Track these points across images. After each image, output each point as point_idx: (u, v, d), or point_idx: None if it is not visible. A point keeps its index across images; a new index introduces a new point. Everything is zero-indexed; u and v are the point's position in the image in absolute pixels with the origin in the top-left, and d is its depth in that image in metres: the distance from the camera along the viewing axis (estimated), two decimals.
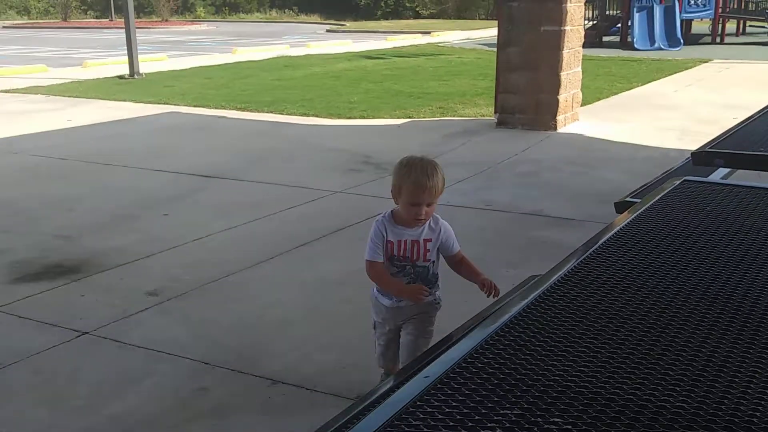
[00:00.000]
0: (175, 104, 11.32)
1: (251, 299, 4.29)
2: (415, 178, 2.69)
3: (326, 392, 3.19)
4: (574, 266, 2.08)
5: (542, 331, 1.64)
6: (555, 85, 8.63)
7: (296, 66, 16.55)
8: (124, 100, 11.74)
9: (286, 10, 45.69)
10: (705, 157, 3.78)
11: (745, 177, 4.58)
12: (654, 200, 2.81)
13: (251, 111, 10.71)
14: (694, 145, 7.89)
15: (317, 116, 10.29)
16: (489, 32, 23.14)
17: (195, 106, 11.16)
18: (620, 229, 2.44)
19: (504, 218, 5.81)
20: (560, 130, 8.69)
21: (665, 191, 2.93)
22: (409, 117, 10.09)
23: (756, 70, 14.85)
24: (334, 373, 3.42)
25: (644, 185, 4.62)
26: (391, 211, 2.85)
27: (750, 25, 25.08)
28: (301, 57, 18.94)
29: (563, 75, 8.64)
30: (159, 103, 11.41)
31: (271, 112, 10.62)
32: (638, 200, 4.38)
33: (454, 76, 14.54)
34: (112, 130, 9.58)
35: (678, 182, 3.07)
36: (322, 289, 4.45)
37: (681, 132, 8.74)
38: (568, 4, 8.55)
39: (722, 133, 4.13)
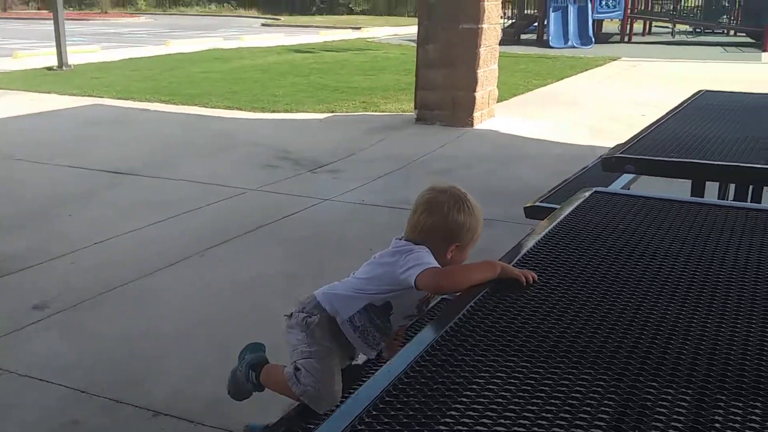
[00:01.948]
0: (99, 96, 10.55)
1: (147, 310, 3.78)
2: (478, 215, 2.03)
3: (213, 426, 2.72)
4: (486, 293, 1.74)
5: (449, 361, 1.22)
6: (472, 82, 8.24)
7: (226, 59, 15.82)
8: (49, 92, 10.89)
9: (225, 4, 44.23)
10: (615, 163, 3.40)
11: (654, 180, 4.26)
12: (564, 215, 2.42)
13: (175, 104, 10.04)
14: (604, 142, 7.66)
15: (241, 109, 9.69)
16: (416, 29, 22.72)
17: (119, 98, 10.42)
18: (530, 250, 2.06)
19: None
20: (477, 126, 8.31)
21: (575, 205, 2.55)
22: (332, 111, 9.59)
23: (661, 68, 14.79)
24: (229, 399, 2.95)
25: (553, 189, 4.26)
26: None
27: (655, 26, 25.26)
28: (232, 50, 18.18)
29: (480, 72, 8.27)
30: (83, 95, 10.62)
31: (196, 104, 9.97)
32: (547, 205, 4.03)
33: (379, 71, 14.06)
34: (31, 123, 8.83)
35: (588, 194, 2.69)
36: (227, 297, 3.96)
37: (592, 129, 8.47)
38: (486, 2, 8.17)
39: (632, 138, 3.77)
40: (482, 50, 8.25)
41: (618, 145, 5.10)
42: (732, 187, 4.58)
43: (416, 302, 2.08)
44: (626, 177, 4.38)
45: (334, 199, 5.74)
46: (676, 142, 3.68)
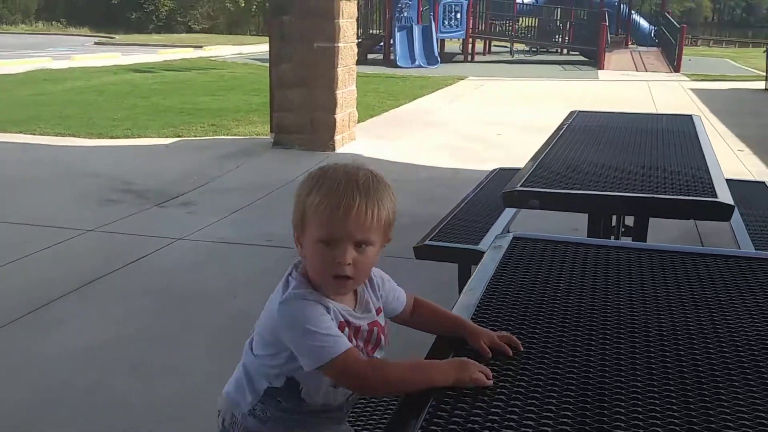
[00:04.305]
0: None
1: None
2: (330, 190, 1.35)
3: None
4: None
5: None
6: (331, 104, 7.75)
7: (56, 80, 14.43)
8: None
9: (54, 23, 41.38)
10: (518, 198, 3.01)
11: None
12: (491, 274, 1.96)
13: None
14: (467, 164, 7.41)
15: (74, 136, 8.67)
16: (261, 47, 22.07)
17: None
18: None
19: (287, 256, 4.79)
20: (338, 150, 7.82)
21: (498, 258, 2.10)
22: (179, 136, 8.78)
23: (506, 87, 15.00)
24: None
25: (439, 224, 3.82)
26: (301, 275, 1.43)
27: (495, 45, 25.99)
28: (63, 70, 16.70)
29: (339, 93, 7.79)
30: None
31: (21, 132, 8.82)
32: (437, 243, 3.59)
33: (228, 91, 13.30)
34: None
35: (507, 242, 2.25)
36: (61, 372, 3.20)
37: (453, 149, 8.22)
38: (341, 20, 7.71)
39: (526, 167, 3.40)
40: (340, 70, 7.79)
41: (504, 170, 4.80)
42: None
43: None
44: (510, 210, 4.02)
45: (188, 238, 5.04)
46: (572, 171, 3.34)
